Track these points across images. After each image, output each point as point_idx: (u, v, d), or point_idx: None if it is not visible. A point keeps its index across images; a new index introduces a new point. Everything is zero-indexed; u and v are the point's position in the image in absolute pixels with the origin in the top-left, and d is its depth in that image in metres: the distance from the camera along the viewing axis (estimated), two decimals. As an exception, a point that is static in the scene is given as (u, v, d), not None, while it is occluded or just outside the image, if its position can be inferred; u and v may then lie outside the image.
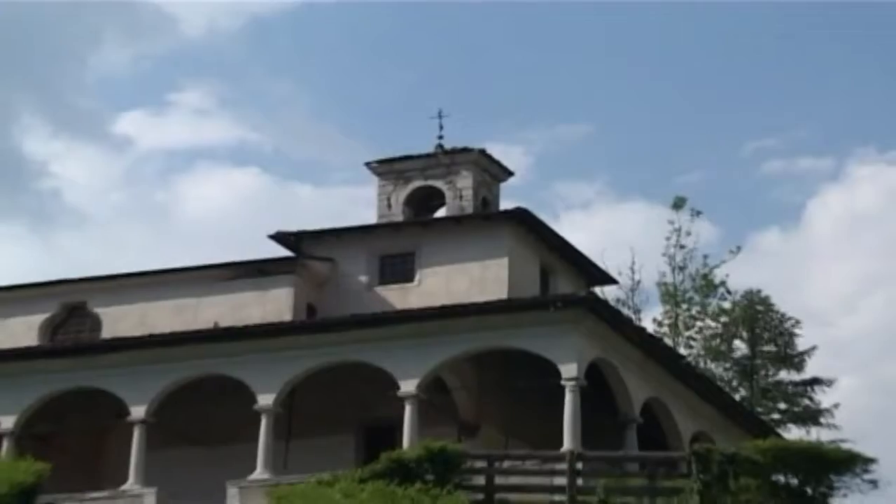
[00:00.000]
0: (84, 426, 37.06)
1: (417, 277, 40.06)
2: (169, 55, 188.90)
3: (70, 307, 41.71)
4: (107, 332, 39.74)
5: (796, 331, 60.69)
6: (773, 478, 30.25)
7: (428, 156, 43.98)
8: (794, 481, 30.70)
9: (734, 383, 56.75)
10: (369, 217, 43.71)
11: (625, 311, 50.56)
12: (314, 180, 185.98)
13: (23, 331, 40.81)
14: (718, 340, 59.87)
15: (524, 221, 40.77)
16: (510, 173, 45.71)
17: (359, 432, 35.94)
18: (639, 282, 58.84)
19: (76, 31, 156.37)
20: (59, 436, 35.80)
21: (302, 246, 41.18)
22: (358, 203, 53.95)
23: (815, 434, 52.74)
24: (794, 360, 60.48)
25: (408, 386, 33.58)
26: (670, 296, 59.81)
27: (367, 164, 44.90)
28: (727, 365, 59.01)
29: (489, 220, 41.48)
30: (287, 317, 38.15)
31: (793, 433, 50.69)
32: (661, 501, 28.75)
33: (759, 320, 60.06)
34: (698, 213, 60.74)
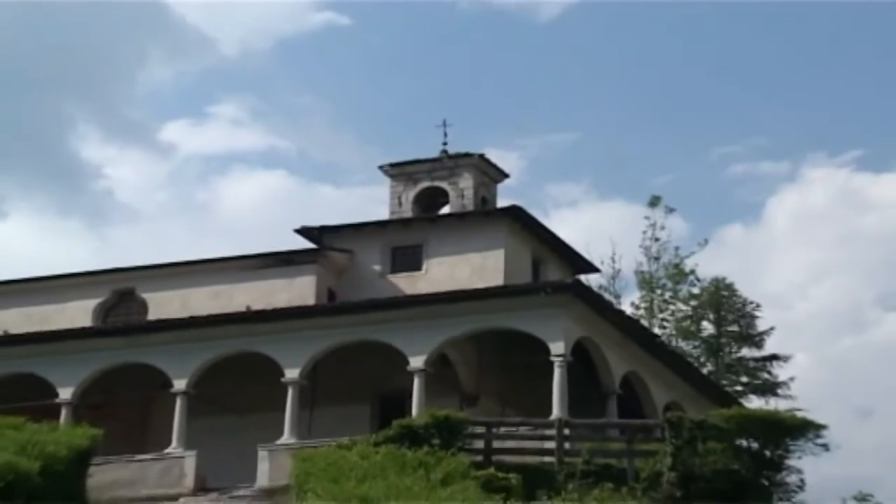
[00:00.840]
0: (132, 397, 37.11)
1: (425, 266, 40.09)
2: (207, 72, 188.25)
3: (120, 293, 41.81)
4: (152, 315, 39.84)
5: (756, 313, 60.59)
6: (737, 442, 30.32)
7: (434, 160, 43.99)
8: (755, 445, 30.78)
9: (702, 359, 56.74)
10: (382, 213, 43.70)
11: (606, 296, 50.53)
12: (334, 181, 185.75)
13: (79, 313, 40.89)
14: (688, 322, 59.81)
15: (518, 218, 40.81)
16: (506, 175, 45.69)
17: (373, 402, 35.97)
18: (619, 270, 58.84)
19: (126, 50, 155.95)
20: (111, 405, 35.85)
21: (323, 239, 41.19)
22: (372, 201, 53.84)
23: (773, 404, 52.75)
24: (755, 339, 60.44)
25: (416, 361, 33.71)
26: (646, 283, 59.81)
27: (381, 167, 44.95)
28: (696, 343, 58.96)
29: (488, 216, 41.52)
30: (310, 301, 38.24)
31: (753, 403, 50.72)
32: (639, 463, 28.83)
33: (724, 304, 60.03)
34: (671, 210, 60.74)
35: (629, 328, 38.38)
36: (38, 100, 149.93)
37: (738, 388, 55.77)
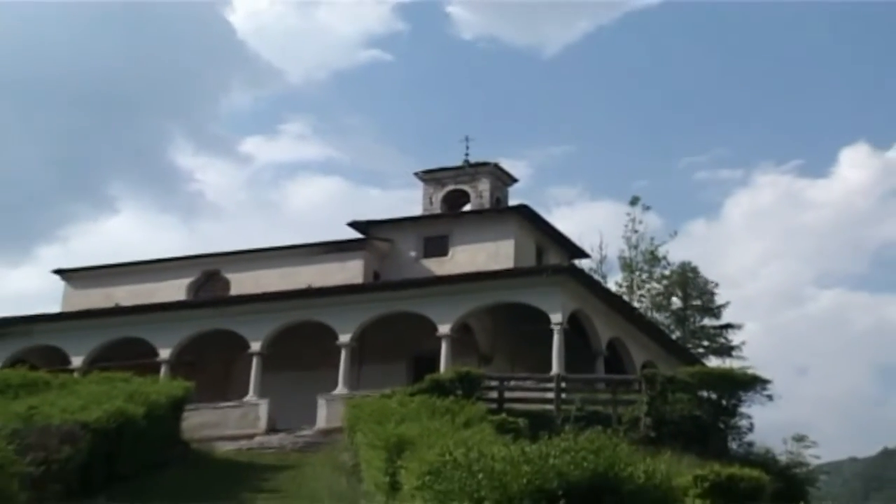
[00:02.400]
0: (217, 356, 37.13)
1: (450, 253, 40.00)
2: (278, 97, 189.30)
3: (208, 273, 41.85)
4: (234, 291, 39.89)
5: (715, 290, 60.48)
6: (699, 393, 30.25)
7: (458, 168, 43.97)
8: (714, 396, 30.72)
9: (672, 327, 56.54)
10: (416, 210, 43.62)
11: (595, 276, 50.22)
12: (378, 185, 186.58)
13: (174, 290, 41.00)
14: (661, 297, 59.65)
15: (525, 214, 40.85)
16: (515, 180, 45.56)
17: (409, 361, 35.89)
18: (605, 256, 58.55)
19: (213, 79, 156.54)
20: (200, 363, 35.89)
21: (370, 230, 41.20)
22: (409, 201, 53.97)
23: (728, 363, 52.42)
24: (714, 311, 60.31)
25: (443, 328, 33.74)
26: (627, 266, 59.60)
27: (416, 174, 44.88)
28: (667, 314, 58.79)
29: (501, 213, 41.48)
30: (359, 280, 38.28)
31: (713, 362, 50.38)
32: (621, 409, 28.81)
33: (690, 283, 59.90)
34: (647, 208, 60.44)
35: (613, 302, 38.54)
36: (143, 120, 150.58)
37: (701, 350, 55.55)
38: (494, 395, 29.41)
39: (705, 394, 30.49)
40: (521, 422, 24.59)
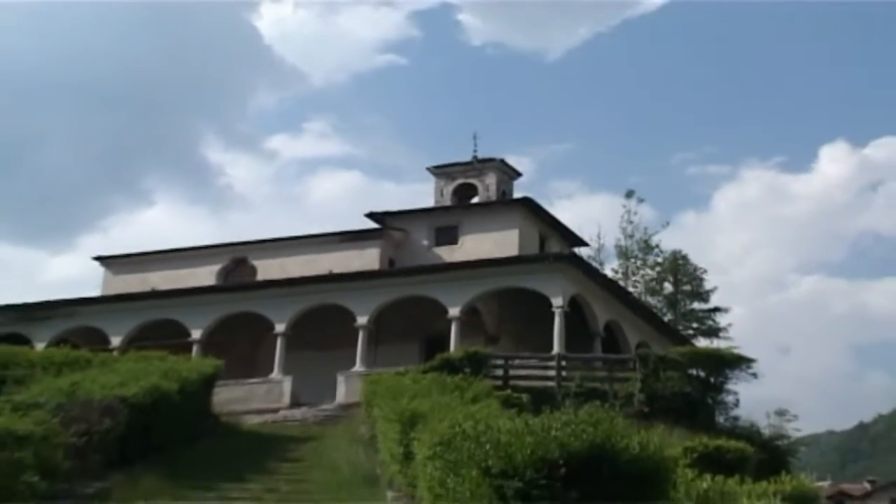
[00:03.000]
0: (245, 337, 37.26)
1: (460, 241, 40.04)
2: (301, 98, 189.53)
3: (236, 260, 41.96)
4: (260, 276, 39.98)
5: (704, 276, 60.63)
6: (689, 371, 30.27)
7: (466, 163, 44.02)
8: (703, 374, 30.71)
9: (664, 311, 56.48)
10: (428, 202, 43.68)
11: (593, 263, 50.27)
12: (394, 179, 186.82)
13: (205, 275, 41.12)
14: (654, 283, 59.73)
15: (529, 206, 40.90)
16: (520, 174, 45.62)
17: (422, 341, 35.93)
18: (602, 245, 58.73)
19: (241, 82, 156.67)
20: (229, 343, 35.99)
21: (385, 221, 41.25)
22: (422, 194, 54.13)
23: (716, 343, 52.47)
24: (703, 296, 60.30)
25: (453, 311, 33.78)
26: (623, 254, 59.75)
27: (428, 168, 44.96)
28: (659, 298, 58.79)
29: (506, 205, 41.49)
30: (376, 266, 38.33)
31: (701, 343, 50.43)
32: (616, 386, 28.81)
33: (680, 270, 59.89)
34: (641, 200, 60.81)
35: (610, 287, 38.58)
36: (177, 119, 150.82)
37: (690, 331, 55.53)
38: (500, 372, 29.45)
39: (694, 372, 30.49)
40: (525, 397, 24.62)
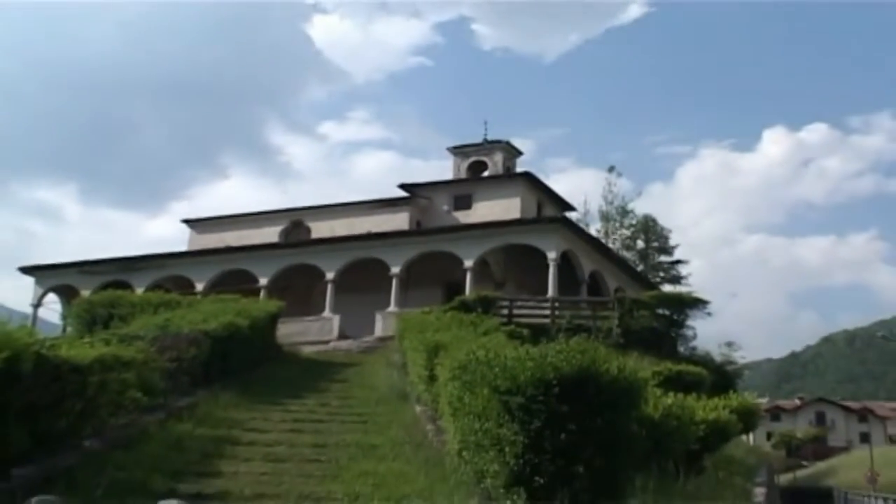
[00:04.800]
0: (302, 283, 37.38)
1: (473, 207, 40.06)
2: (346, 92, 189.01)
3: (295, 222, 42.11)
4: (314, 235, 40.18)
5: (669, 235, 60.91)
6: (657, 311, 30.29)
7: (479, 144, 44.05)
8: (667, 313, 30.75)
9: (637, 262, 56.60)
10: (448, 176, 43.67)
11: (581, 225, 50.24)
12: (421, 157, 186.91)
13: (270, 234, 41.31)
14: (629, 240, 59.97)
15: (529, 179, 40.86)
16: (521, 153, 45.50)
17: (443, 287, 35.93)
18: (588, 210, 58.92)
19: (298, 77, 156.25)
20: (289, 288, 36.12)
21: (414, 191, 41.26)
22: (443, 169, 54.18)
23: (678, 289, 52.56)
24: (668, 250, 60.62)
25: (468, 262, 33.79)
26: (604, 217, 59.94)
27: (448, 149, 44.88)
28: (633, 253, 58.97)
29: (510, 178, 41.42)
30: (406, 227, 38.48)
31: (666, 288, 50.50)
32: (599, 323, 28.82)
33: (650, 230, 60.10)
34: (620, 174, 61.78)
35: (594, 244, 38.50)
36: (246, 107, 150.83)
37: (658, 279, 55.66)
38: (505, 311, 29.47)
39: (661, 311, 30.53)
40: (525, 332, 24.63)
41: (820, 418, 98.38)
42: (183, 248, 42.95)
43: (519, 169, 43.79)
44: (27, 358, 9.43)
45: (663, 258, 60.45)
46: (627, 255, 56.84)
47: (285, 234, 41.70)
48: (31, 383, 9.55)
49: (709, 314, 31.63)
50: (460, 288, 32.83)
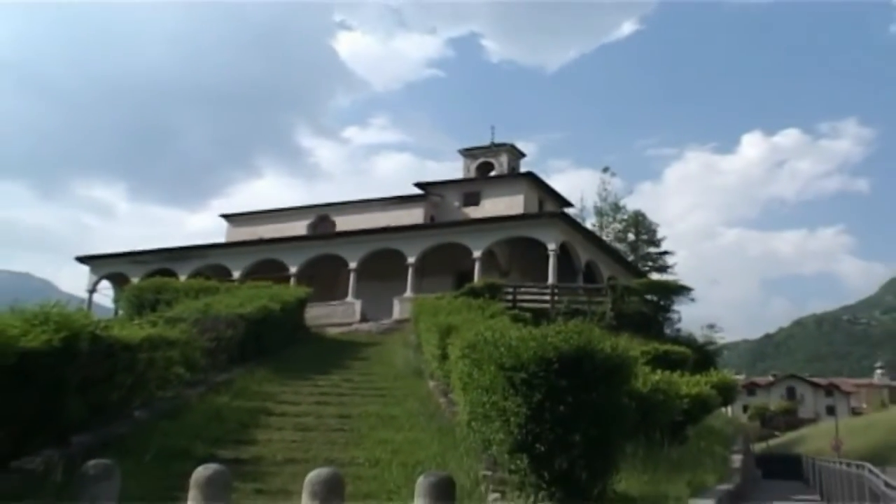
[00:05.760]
0: (328, 271, 37.39)
1: (481, 203, 39.83)
2: (367, 100, 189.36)
3: (321, 217, 41.95)
4: (338, 228, 40.00)
5: (657, 229, 60.72)
6: (645, 297, 30.20)
7: (486, 146, 43.89)
8: (655, 298, 30.67)
9: (628, 253, 56.40)
10: (458, 175, 43.49)
11: (578, 219, 50.09)
12: (435, 159, 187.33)
13: (299, 227, 41.17)
14: (621, 233, 59.79)
15: (532, 178, 40.58)
16: (525, 155, 45.23)
17: (454, 275, 35.87)
18: (584, 206, 58.82)
19: (324, 87, 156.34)
20: (316, 276, 36.16)
21: (428, 189, 41.08)
22: (454, 169, 54.19)
23: (665, 277, 52.37)
24: (656, 242, 60.39)
25: (476, 253, 33.68)
26: (599, 212, 59.79)
27: (458, 151, 44.69)
28: (625, 245, 58.80)
29: (515, 177, 41.20)
30: (420, 221, 38.24)
31: (654, 276, 50.31)
32: (594, 307, 28.74)
33: (640, 224, 59.89)
34: (614, 174, 62.02)
35: (589, 236, 38.28)
36: (278, 114, 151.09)
37: (647, 268, 55.43)
38: (510, 297, 29.43)
39: (650, 297, 30.44)
40: (528, 315, 24.61)
41: (791, 393, 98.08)
42: (221, 240, 42.97)
43: (522, 169, 43.63)
44: (84, 337, 9.48)
45: (652, 249, 60.25)
46: (619, 246, 56.65)
47: (312, 227, 41.66)
48: (87, 360, 9.61)
49: (692, 300, 31.54)
50: (469, 276, 32.74)
